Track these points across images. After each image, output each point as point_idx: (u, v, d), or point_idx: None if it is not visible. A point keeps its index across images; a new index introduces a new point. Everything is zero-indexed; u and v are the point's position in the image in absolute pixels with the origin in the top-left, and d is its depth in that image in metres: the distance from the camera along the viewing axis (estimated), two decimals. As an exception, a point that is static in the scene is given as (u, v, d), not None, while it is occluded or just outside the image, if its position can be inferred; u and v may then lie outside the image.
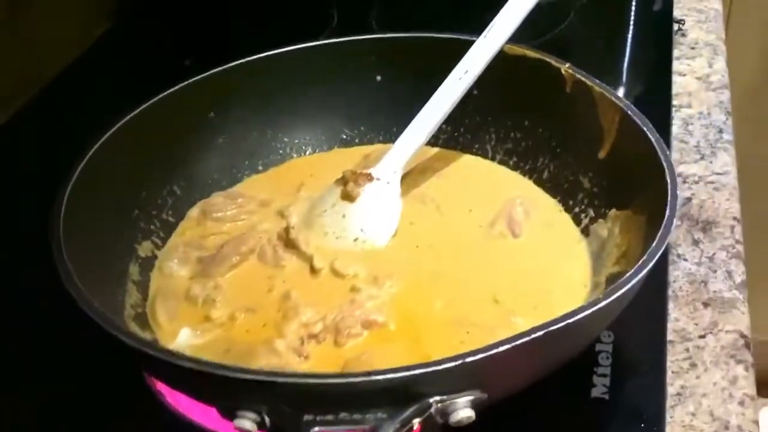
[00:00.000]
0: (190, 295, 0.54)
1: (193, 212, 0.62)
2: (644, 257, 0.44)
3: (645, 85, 0.80)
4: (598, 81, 0.58)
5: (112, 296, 0.53)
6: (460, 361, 0.39)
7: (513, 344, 0.40)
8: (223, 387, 0.41)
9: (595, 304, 0.42)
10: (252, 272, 0.56)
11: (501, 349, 0.40)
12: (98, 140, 0.56)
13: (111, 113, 0.59)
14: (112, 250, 0.55)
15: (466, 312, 0.52)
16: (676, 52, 0.82)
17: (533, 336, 0.40)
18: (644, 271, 0.44)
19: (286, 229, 0.58)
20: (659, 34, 0.87)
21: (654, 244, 0.45)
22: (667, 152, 0.51)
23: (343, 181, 0.60)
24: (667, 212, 0.47)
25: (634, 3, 0.93)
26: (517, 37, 0.62)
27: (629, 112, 0.54)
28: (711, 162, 0.67)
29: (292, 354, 0.50)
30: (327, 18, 0.91)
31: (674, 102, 0.75)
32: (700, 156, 0.68)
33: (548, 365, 0.44)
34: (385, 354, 0.50)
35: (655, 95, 0.76)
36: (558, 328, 0.41)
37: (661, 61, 0.81)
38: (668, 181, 0.49)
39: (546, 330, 0.40)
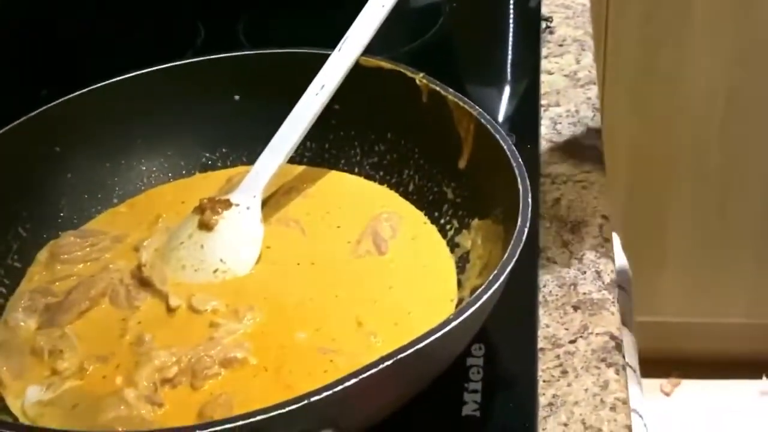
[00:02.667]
0: (36, 348, 0.51)
1: (42, 255, 0.58)
2: (496, 270, 0.43)
3: (518, 85, 0.80)
4: (452, 90, 0.56)
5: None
6: (304, 402, 0.37)
7: (359, 377, 0.38)
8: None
9: (446, 325, 0.40)
10: (103, 317, 0.53)
11: (346, 384, 0.38)
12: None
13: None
14: (-53, 305, 0.51)
15: (331, 338, 0.50)
16: (544, 51, 0.82)
17: (380, 367, 0.38)
18: (497, 284, 0.43)
19: (139, 267, 0.55)
20: (530, 32, 0.87)
21: (505, 257, 0.44)
22: (518, 157, 0.50)
23: (200, 209, 0.57)
24: (519, 222, 0.46)
25: (511, 2, 0.93)
26: (385, 48, 0.61)
27: (482, 120, 0.53)
28: (579, 160, 0.67)
29: (144, 403, 0.46)
30: (194, 32, 0.88)
31: (543, 101, 0.74)
32: (569, 155, 0.68)
33: (405, 392, 0.43)
34: (245, 393, 0.47)
35: (524, 96, 0.76)
36: (409, 354, 0.39)
37: (530, 60, 0.81)
38: (520, 188, 0.48)
39: (395, 358, 0.39)
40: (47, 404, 0.48)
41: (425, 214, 0.58)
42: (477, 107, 0.54)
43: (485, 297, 0.42)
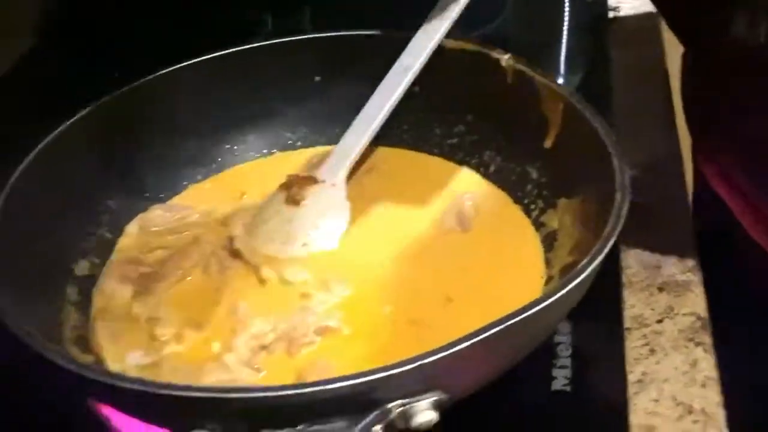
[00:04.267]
0: (133, 315, 0.52)
1: (132, 228, 0.59)
2: (598, 244, 0.44)
3: (583, 74, 0.80)
4: (539, 70, 0.57)
5: (48, 320, 0.50)
6: (417, 363, 0.38)
7: (471, 342, 0.38)
8: (172, 407, 0.39)
9: (552, 295, 0.41)
10: (197, 286, 0.54)
11: (459, 347, 0.38)
12: (25, 158, 0.54)
13: (39, 130, 0.56)
14: (46, 272, 0.52)
15: (419, 311, 0.51)
16: (611, 40, 0.82)
17: (491, 332, 0.39)
18: (600, 257, 0.43)
19: (231, 239, 0.56)
20: (595, 22, 0.87)
21: (608, 229, 0.44)
22: (613, 137, 0.50)
23: (287, 185, 0.58)
24: (617, 198, 0.46)
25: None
26: (453, 32, 0.61)
27: (572, 99, 0.54)
28: (653, 149, 0.67)
29: (243, 368, 0.48)
30: (260, 24, 0.89)
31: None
32: (643, 144, 0.68)
33: (508, 360, 0.43)
34: (341, 360, 0.48)
35: (595, 84, 0.76)
36: (516, 322, 0.39)
37: (598, 49, 0.81)
38: (616, 165, 0.48)
39: (504, 325, 0.39)
40: (147, 368, 0.49)
41: (508, 194, 0.59)
42: (566, 87, 0.55)
43: (591, 267, 0.42)
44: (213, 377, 0.47)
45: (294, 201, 0.57)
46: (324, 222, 0.57)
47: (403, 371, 0.38)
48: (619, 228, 0.44)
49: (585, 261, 0.43)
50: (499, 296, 0.51)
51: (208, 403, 0.38)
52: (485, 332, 0.39)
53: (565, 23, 0.88)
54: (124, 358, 0.50)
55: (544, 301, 0.40)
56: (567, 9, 0.91)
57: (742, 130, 0.58)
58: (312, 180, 0.58)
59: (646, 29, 0.85)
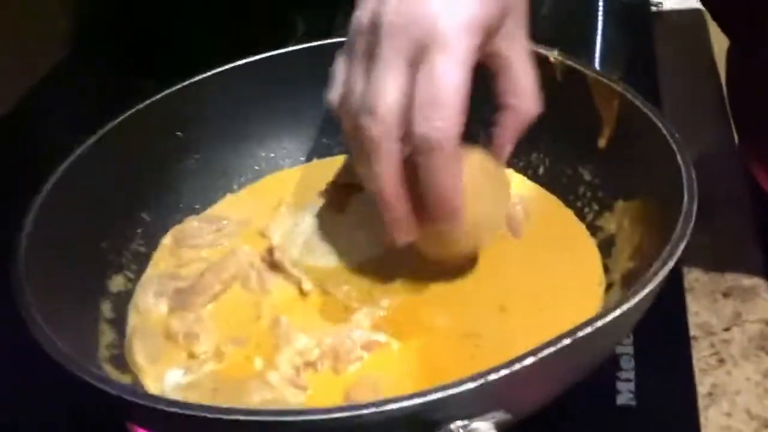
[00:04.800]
0: (170, 332, 0.50)
1: (166, 240, 0.57)
2: (668, 248, 0.40)
3: (623, 70, 0.77)
4: (591, 66, 0.54)
5: (82, 339, 0.48)
6: (481, 381, 0.35)
7: (537, 357, 0.36)
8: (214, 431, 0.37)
9: (622, 304, 0.38)
10: (236, 300, 0.52)
11: (525, 363, 0.35)
12: (57, 171, 0.52)
13: (71, 141, 0.54)
14: (80, 288, 0.50)
15: (472, 323, 0.48)
16: (655, 34, 0.79)
17: (559, 345, 0.36)
18: (671, 263, 0.40)
19: (270, 251, 0.53)
20: (635, 15, 0.84)
21: (677, 233, 0.41)
22: (676, 134, 0.47)
23: (328, 193, 0.56)
24: (686, 197, 0.43)
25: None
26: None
27: (629, 95, 0.51)
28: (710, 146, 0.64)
29: (288, 386, 0.45)
30: (293, 28, 0.87)
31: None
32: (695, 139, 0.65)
33: (575, 375, 0.40)
34: (390, 377, 0.45)
35: (639, 80, 0.73)
36: (583, 336, 0.37)
37: (640, 43, 0.78)
38: (681, 164, 0.45)
39: (573, 337, 0.36)
40: (187, 387, 0.46)
41: (559, 198, 0.56)
42: (621, 83, 0.52)
43: (661, 274, 0.39)
44: (257, 397, 0.44)
45: (337, 209, 0.54)
46: (369, 230, 0.54)
47: (464, 390, 0.35)
48: (689, 231, 0.41)
49: (655, 267, 0.39)
50: (556, 305, 0.48)
51: (258, 426, 0.35)
52: (551, 346, 0.36)
53: (600, 17, 0.85)
54: (162, 377, 0.47)
55: (614, 311, 0.37)
56: (601, 3, 0.88)
57: None
58: (355, 187, 0.55)
59: (691, 24, 0.82)
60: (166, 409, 0.36)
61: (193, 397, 0.46)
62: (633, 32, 0.81)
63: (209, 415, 0.35)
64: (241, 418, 0.35)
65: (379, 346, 0.47)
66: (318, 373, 0.46)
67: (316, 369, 0.46)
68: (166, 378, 0.47)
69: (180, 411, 0.35)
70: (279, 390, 0.45)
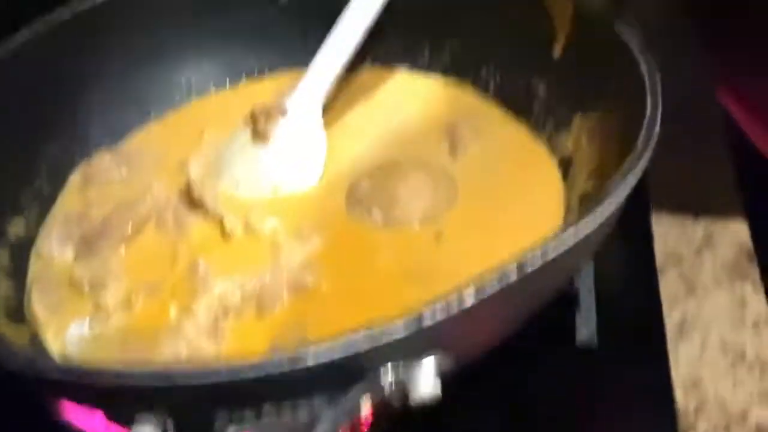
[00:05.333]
0: (74, 280, 0.44)
1: (74, 178, 0.51)
2: (629, 160, 0.35)
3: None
4: (542, -35, 0.48)
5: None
6: (412, 317, 0.30)
7: (479, 294, 0.30)
8: (110, 394, 0.31)
9: (578, 224, 0.33)
10: (150, 244, 0.46)
11: (464, 300, 0.30)
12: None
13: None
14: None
15: (412, 259, 0.43)
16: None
17: (505, 280, 0.31)
18: (631, 177, 0.35)
19: (188, 186, 0.47)
20: None
21: (639, 143, 0.36)
22: (638, 38, 0.41)
23: (252, 118, 0.50)
24: (649, 103, 0.38)
25: None
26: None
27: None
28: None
29: (204, 336, 0.40)
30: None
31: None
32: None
33: (524, 312, 0.35)
34: (318, 321, 0.40)
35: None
36: (534, 265, 0.31)
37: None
38: (644, 70, 0.40)
39: (520, 269, 0.31)
40: (92, 341, 0.41)
41: (512, 115, 0.50)
42: (575, -18, 0.46)
43: (621, 191, 0.34)
44: (168, 349, 0.39)
45: (261, 137, 0.49)
46: (298, 159, 0.49)
47: (393, 327, 0.30)
48: (653, 141, 0.36)
49: (615, 181, 0.34)
50: (510, 225, 0.43)
51: (151, 390, 0.30)
52: (495, 282, 0.31)
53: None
54: (64, 330, 0.42)
55: (566, 234, 0.32)
56: None
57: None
58: (281, 110, 0.49)
59: None
60: (41, 371, 0.30)
61: (98, 354, 0.40)
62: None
63: (90, 379, 0.29)
64: (131, 383, 0.29)
65: (307, 288, 0.42)
66: (240, 321, 0.41)
67: (238, 315, 0.41)
68: (68, 331, 0.42)
69: (50, 374, 0.30)
70: (194, 341, 0.39)
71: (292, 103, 0.50)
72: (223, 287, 0.42)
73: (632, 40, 0.42)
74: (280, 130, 0.49)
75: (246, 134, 0.50)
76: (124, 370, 0.30)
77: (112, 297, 0.43)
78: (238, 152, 0.49)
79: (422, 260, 0.43)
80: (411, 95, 0.53)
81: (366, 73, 0.55)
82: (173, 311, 0.42)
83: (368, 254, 0.43)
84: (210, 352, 0.39)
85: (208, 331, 0.40)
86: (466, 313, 0.30)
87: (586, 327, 0.42)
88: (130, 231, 0.46)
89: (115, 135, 0.53)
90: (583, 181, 0.43)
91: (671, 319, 0.42)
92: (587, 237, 0.33)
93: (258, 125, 0.49)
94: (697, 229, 0.47)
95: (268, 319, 0.41)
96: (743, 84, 0.54)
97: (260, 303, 0.41)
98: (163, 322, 0.41)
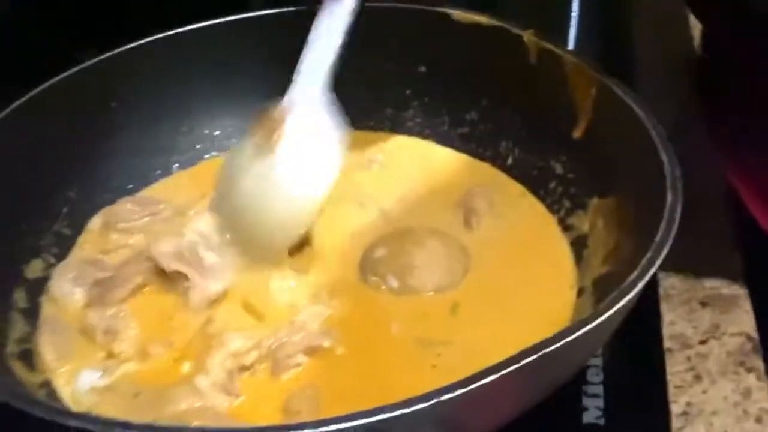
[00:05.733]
0: (86, 326, 0.44)
1: (95, 223, 0.51)
2: (649, 254, 0.36)
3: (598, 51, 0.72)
4: (568, 48, 0.49)
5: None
6: (433, 401, 0.30)
7: (499, 374, 0.31)
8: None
9: (597, 316, 0.33)
10: (165, 295, 0.46)
11: (483, 382, 0.31)
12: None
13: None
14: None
15: (427, 328, 0.43)
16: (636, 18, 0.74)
17: (522, 363, 0.31)
18: (650, 271, 0.36)
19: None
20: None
21: (659, 237, 0.37)
22: (659, 126, 0.43)
23: (251, 131, 0.46)
24: (669, 197, 0.39)
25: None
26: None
27: (608, 82, 0.46)
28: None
29: (218, 392, 0.40)
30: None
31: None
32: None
33: (537, 395, 0.36)
34: (332, 386, 0.41)
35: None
36: (552, 350, 0.32)
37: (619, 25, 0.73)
38: (665, 159, 0.41)
39: (538, 354, 0.32)
40: (104, 391, 0.41)
41: (528, 192, 0.51)
42: (600, 68, 0.47)
43: (641, 283, 0.35)
44: (182, 404, 0.39)
45: (267, 145, 0.45)
46: (313, 160, 0.46)
47: (413, 411, 0.30)
48: (672, 235, 0.37)
49: (634, 276, 0.35)
50: (524, 307, 0.44)
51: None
52: (513, 364, 0.31)
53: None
54: (75, 378, 0.42)
55: (586, 325, 0.33)
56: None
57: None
58: (282, 111, 0.46)
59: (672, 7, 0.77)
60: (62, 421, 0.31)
61: (110, 404, 0.40)
62: (610, 14, 0.77)
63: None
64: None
65: (323, 352, 0.42)
66: (253, 378, 0.41)
67: (253, 373, 0.41)
68: (79, 379, 0.42)
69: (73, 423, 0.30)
70: (208, 396, 0.40)
71: (290, 102, 0.47)
72: (239, 344, 0.42)
73: (654, 128, 0.43)
74: (288, 134, 0.45)
75: (249, 149, 0.47)
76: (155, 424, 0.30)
77: (125, 346, 0.43)
78: (245, 169, 0.46)
79: (436, 329, 0.43)
80: (427, 166, 0.54)
81: (383, 140, 0.56)
82: (186, 366, 0.42)
83: (383, 321, 0.44)
84: (223, 411, 0.39)
85: (221, 388, 0.40)
86: (482, 395, 0.31)
87: (593, 406, 0.42)
88: (140, 281, 0.46)
89: (138, 182, 0.54)
90: (597, 265, 0.44)
91: (677, 405, 0.43)
92: (600, 328, 0.33)
93: (259, 136, 0.46)
94: (705, 315, 0.47)
95: (282, 379, 0.41)
96: (750, 164, 0.55)
97: (275, 363, 0.41)
98: (176, 374, 0.42)
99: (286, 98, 0.47)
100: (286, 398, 0.40)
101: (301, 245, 0.48)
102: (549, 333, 0.32)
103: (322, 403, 0.39)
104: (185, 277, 0.45)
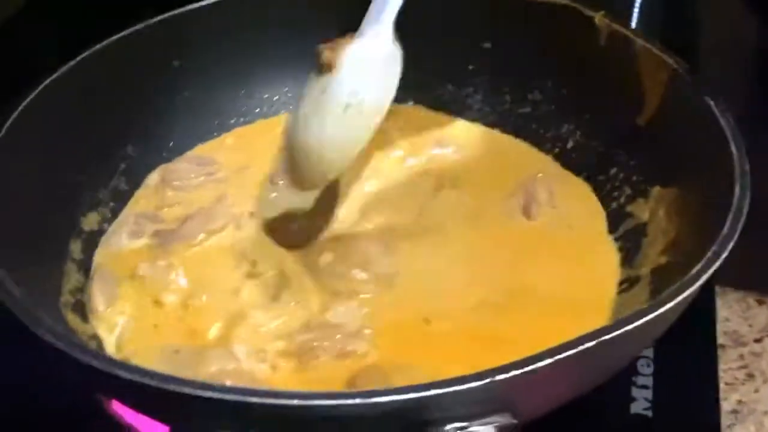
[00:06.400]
0: (137, 274, 0.45)
1: (152, 179, 0.52)
2: (714, 248, 0.35)
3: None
4: (640, 32, 0.48)
5: (45, 279, 0.43)
6: (488, 380, 0.30)
7: (555, 358, 0.31)
8: (175, 405, 0.32)
9: (656, 308, 0.33)
10: (217, 254, 0.47)
11: (540, 364, 0.30)
12: (37, 88, 0.47)
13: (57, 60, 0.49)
14: (48, 222, 0.45)
15: (476, 322, 0.42)
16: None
17: (580, 348, 0.31)
18: (714, 266, 0.35)
19: None
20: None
21: (725, 231, 0.36)
22: (731, 120, 0.41)
23: (316, 53, 0.45)
24: (737, 191, 0.38)
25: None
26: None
27: (680, 69, 0.45)
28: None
29: (255, 361, 0.40)
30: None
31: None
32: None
33: (590, 381, 0.35)
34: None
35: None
36: (609, 338, 0.31)
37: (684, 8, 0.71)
38: (734, 152, 0.40)
39: (597, 340, 0.31)
40: (143, 342, 0.42)
41: (586, 178, 0.50)
42: (674, 55, 0.46)
43: (704, 277, 0.34)
44: (215, 366, 0.39)
45: (327, 66, 0.44)
46: (370, 77, 0.45)
47: (467, 388, 0.30)
48: (738, 230, 0.36)
49: (696, 270, 0.34)
50: (566, 299, 0.43)
51: (227, 407, 0.30)
52: (570, 348, 0.31)
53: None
54: (120, 326, 0.43)
55: (644, 315, 0.32)
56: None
57: None
58: (346, 39, 0.45)
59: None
60: (112, 371, 0.31)
61: (148, 355, 0.41)
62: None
63: (168, 387, 0.30)
64: (215, 395, 0.30)
65: (355, 356, 0.41)
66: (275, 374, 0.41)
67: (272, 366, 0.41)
68: (125, 327, 0.43)
69: (129, 377, 0.30)
70: (245, 362, 0.40)
71: (360, 29, 0.46)
72: (268, 327, 0.42)
73: (725, 118, 0.41)
74: (348, 58, 0.44)
75: (311, 78, 0.46)
76: (206, 383, 0.30)
77: (172, 298, 0.44)
78: (307, 96, 0.45)
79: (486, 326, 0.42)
80: (487, 149, 0.53)
81: (444, 124, 0.55)
82: (215, 329, 0.42)
83: (426, 315, 0.43)
84: (259, 377, 0.40)
85: (258, 357, 0.40)
86: (537, 378, 0.31)
87: (642, 397, 0.41)
88: (203, 238, 0.47)
89: (195, 142, 0.54)
90: (656, 254, 0.43)
91: (727, 403, 0.42)
92: (657, 320, 0.33)
93: (322, 57, 0.45)
94: (761, 313, 0.46)
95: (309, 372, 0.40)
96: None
97: (300, 359, 0.41)
98: (214, 338, 0.42)
99: (360, 28, 0.46)
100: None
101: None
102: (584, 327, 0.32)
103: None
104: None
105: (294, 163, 0.45)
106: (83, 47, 0.50)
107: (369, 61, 0.45)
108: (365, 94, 0.44)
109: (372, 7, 0.47)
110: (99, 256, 0.47)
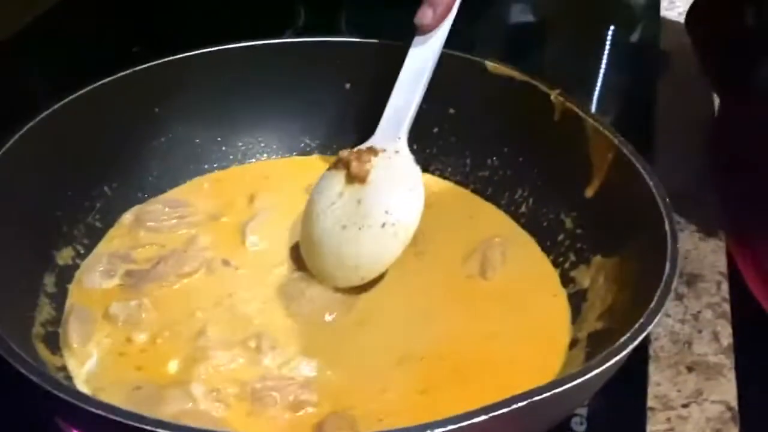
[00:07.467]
0: (110, 314, 0.47)
1: (126, 218, 0.54)
2: (642, 319, 0.39)
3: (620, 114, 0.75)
4: (591, 112, 0.52)
5: (17, 311, 0.45)
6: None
7: (489, 415, 0.34)
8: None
9: (587, 371, 0.36)
10: (189, 293, 0.49)
11: (475, 420, 0.33)
12: (21, 128, 0.49)
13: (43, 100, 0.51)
14: (24, 255, 0.47)
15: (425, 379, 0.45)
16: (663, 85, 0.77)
17: (513, 407, 0.34)
18: (641, 335, 0.38)
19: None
20: (641, 57, 0.82)
21: (653, 304, 0.39)
22: (667, 199, 0.45)
23: (343, 163, 0.50)
24: (667, 267, 0.41)
25: (610, 32, 0.89)
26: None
27: (625, 150, 0.49)
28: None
29: (211, 401, 0.42)
30: (293, 15, 0.85)
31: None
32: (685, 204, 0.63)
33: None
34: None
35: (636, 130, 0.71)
36: (543, 398, 0.35)
37: (642, 85, 0.76)
38: (668, 231, 0.43)
39: (529, 400, 0.34)
40: (111, 378, 0.44)
41: (538, 241, 0.54)
42: (619, 135, 0.50)
43: (631, 345, 0.37)
44: (176, 407, 0.42)
45: (358, 178, 0.49)
46: (400, 195, 0.49)
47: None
48: (666, 304, 0.40)
49: (625, 338, 0.38)
50: (517, 357, 0.46)
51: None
52: (504, 407, 0.34)
53: (605, 55, 0.84)
54: (89, 362, 0.45)
55: (576, 378, 0.35)
56: (608, 46, 0.87)
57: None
58: (371, 151, 0.50)
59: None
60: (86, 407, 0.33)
61: (112, 391, 0.43)
62: (637, 73, 0.80)
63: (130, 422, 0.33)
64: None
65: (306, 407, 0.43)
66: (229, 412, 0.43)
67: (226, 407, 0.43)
68: (93, 363, 0.45)
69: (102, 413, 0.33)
70: (201, 403, 0.42)
71: (378, 142, 0.51)
72: (227, 367, 0.44)
73: (662, 200, 0.45)
74: (375, 171, 0.49)
75: (339, 179, 0.50)
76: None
77: (143, 335, 0.46)
78: (336, 197, 0.49)
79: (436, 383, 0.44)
80: (448, 207, 0.56)
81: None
82: (173, 365, 0.45)
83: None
84: (215, 416, 0.42)
85: (214, 397, 0.43)
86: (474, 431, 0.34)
87: (573, 455, 0.44)
88: (172, 281, 0.49)
89: (170, 184, 0.57)
90: (593, 319, 0.46)
91: (653, 463, 0.45)
92: (589, 382, 0.36)
93: (352, 168, 0.49)
94: (690, 379, 0.50)
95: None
96: (747, 233, 0.58)
97: (253, 402, 0.43)
98: (174, 378, 0.44)
99: (374, 140, 0.52)
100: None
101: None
102: (539, 381, 0.35)
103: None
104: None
105: (323, 263, 0.49)
106: (70, 89, 0.53)
107: (396, 176, 0.49)
108: (398, 215, 0.48)
109: (386, 124, 0.52)
110: (73, 295, 0.49)
